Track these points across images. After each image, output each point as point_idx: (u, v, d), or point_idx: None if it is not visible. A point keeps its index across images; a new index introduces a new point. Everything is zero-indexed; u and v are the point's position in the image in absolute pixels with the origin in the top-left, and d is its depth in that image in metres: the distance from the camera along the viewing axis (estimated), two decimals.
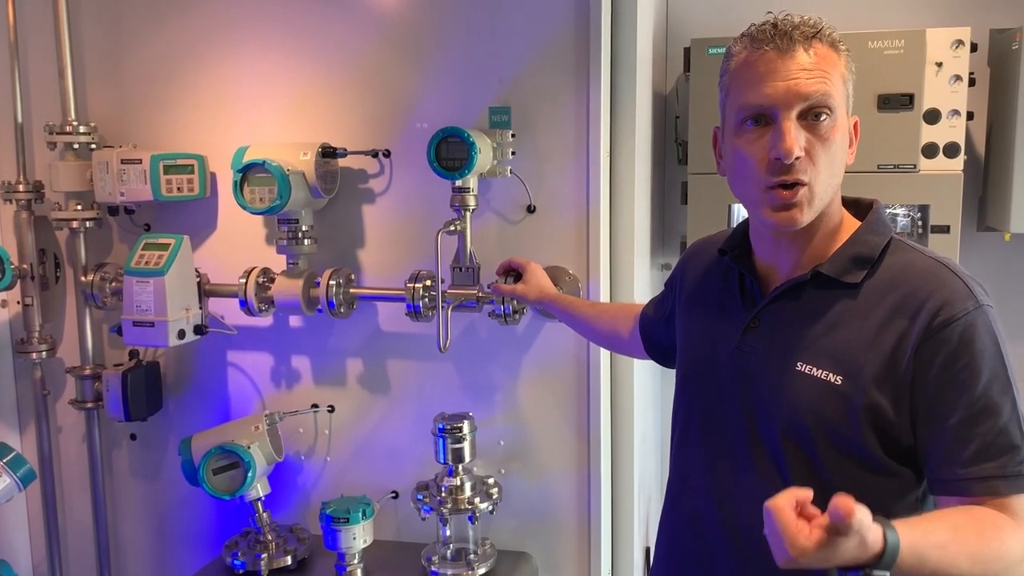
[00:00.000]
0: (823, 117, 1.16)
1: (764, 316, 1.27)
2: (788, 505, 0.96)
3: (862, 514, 0.94)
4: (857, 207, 1.29)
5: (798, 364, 1.21)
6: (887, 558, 0.97)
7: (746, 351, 1.27)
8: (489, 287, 2.00)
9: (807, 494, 0.98)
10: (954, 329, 1.13)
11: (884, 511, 1.15)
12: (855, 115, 1.25)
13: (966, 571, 1.04)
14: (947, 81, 2.04)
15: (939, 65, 2.03)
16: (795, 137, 1.15)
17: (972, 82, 2.07)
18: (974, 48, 2.06)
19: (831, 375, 1.18)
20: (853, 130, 1.25)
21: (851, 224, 1.27)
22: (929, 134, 2.06)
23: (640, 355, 1.72)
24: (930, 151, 2.06)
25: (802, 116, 1.16)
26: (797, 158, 1.15)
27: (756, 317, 1.28)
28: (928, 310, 1.14)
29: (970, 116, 2.10)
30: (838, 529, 0.93)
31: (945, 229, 2.07)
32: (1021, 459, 1.12)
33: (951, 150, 2.05)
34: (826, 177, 1.18)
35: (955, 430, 1.13)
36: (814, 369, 1.19)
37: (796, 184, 1.16)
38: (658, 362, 1.68)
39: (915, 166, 2.07)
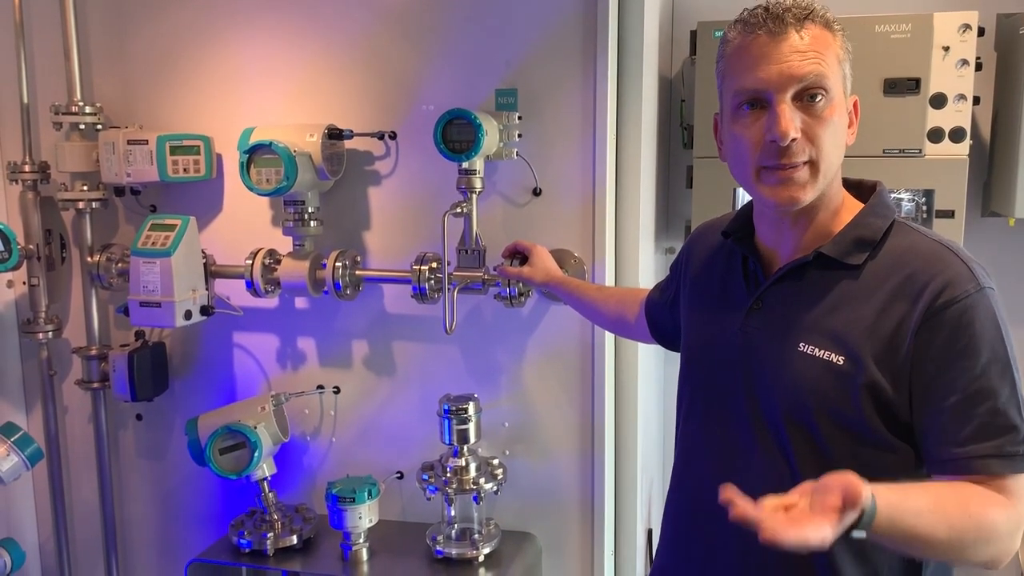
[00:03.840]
0: (819, 98, 1.17)
1: (767, 297, 1.28)
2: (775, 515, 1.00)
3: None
4: (860, 189, 1.30)
5: (800, 345, 1.22)
6: (865, 519, 1.00)
7: (749, 332, 1.28)
8: (495, 269, 2.00)
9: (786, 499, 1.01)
10: (954, 311, 1.14)
11: None
12: (855, 95, 1.25)
13: (943, 538, 1.07)
14: (954, 65, 2.03)
15: (946, 49, 2.03)
16: (790, 119, 1.16)
17: (979, 67, 2.07)
18: (981, 32, 2.05)
19: (833, 355, 1.19)
20: (853, 110, 1.25)
21: (853, 206, 1.27)
22: (935, 119, 2.05)
23: (646, 339, 1.73)
24: (936, 135, 2.06)
25: (797, 98, 1.17)
26: (793, 139, 1.16)
27: (759, 299, 1.29)
28: (930, 292, 1.15)
29: (976, 101, 2.10)
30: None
31: (950, 214, 2.07)
32: (1018, 440, 1.13)
33: (957, 135, 2.05)
34: (828, 155, 1.19)
35: (952, 411, 1.14)
36: (816, 350, 1.20)
37: (795, 166, 1.18)
38: (663, 345, 1.69)
39: (920, 150, 2.07)
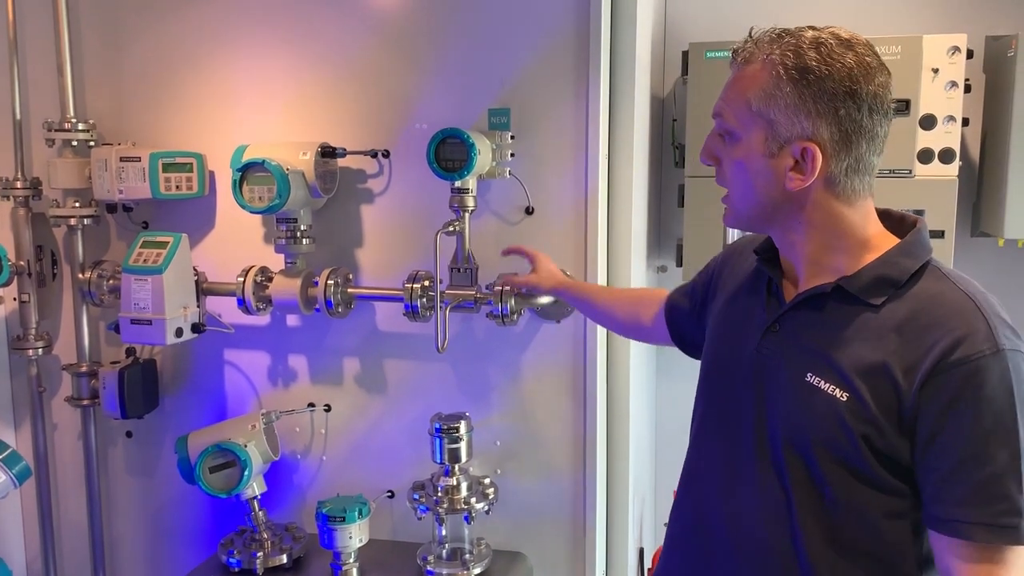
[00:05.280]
0: (726, 137, 1.24)
1: (785, 321, 1.27)
2: None
3: None
4: (902, 224, 1.27)
5: (808, 375, 1.21)
6: None
7: (764, 354, 1.28)
8: (499, 280, 1.99)
9: None
10: (964, 370, 1.10)
11: (881, 527, 1.16)
12: (814, 142, 1.16)
13: None
14: (943, 87, 2.06)
15: (935, 71, 2.05)
16: (705, 144, 1.27)
17: (968, 88, 2.09)
18: (970, 55, 2.08)
19: (838, 391, 1.17)
20: (802, 157, 1.18)
21: (883, 241, 1.24)
22: (925, 140, 2.07)
23: (660, 341, 1.70)
24: (925, 156, 2.08)
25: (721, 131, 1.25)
26: (711, 164, 1.28)
27: (777, 321, 1.28)
28: (943, 346, 1.12)
29: (965, 122, 2.12)
30: None
31: (940, 234, 2.08)
32: (1011, 511, 1.09)
33: (946, 156, 2.07)
34: (734, 191, 1.25)
35: (948, 471, 1.12)
36: (822, 382, 1.19)
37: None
38: (684, 351, 1.65)
39: (910, 171, 2.09)
